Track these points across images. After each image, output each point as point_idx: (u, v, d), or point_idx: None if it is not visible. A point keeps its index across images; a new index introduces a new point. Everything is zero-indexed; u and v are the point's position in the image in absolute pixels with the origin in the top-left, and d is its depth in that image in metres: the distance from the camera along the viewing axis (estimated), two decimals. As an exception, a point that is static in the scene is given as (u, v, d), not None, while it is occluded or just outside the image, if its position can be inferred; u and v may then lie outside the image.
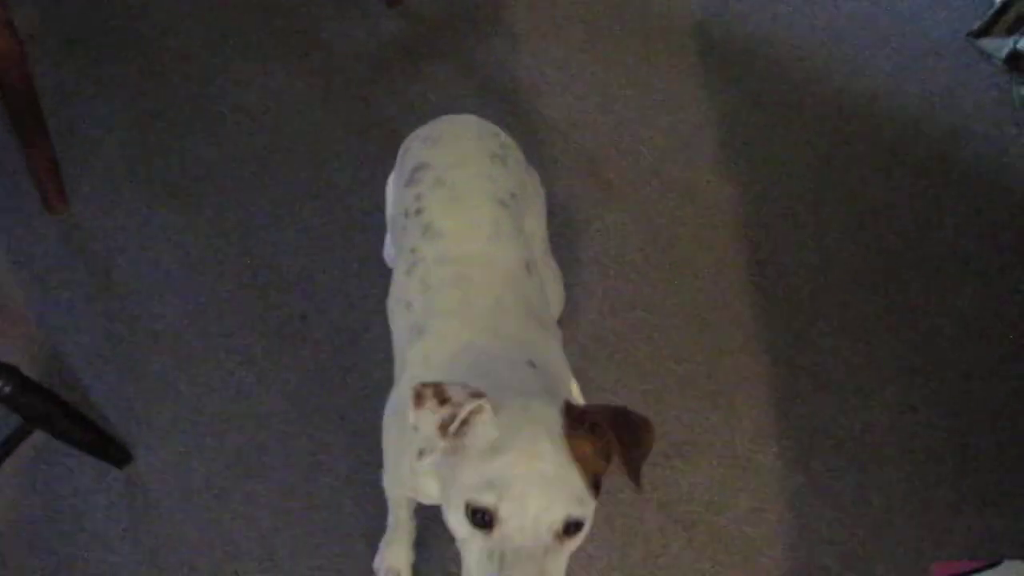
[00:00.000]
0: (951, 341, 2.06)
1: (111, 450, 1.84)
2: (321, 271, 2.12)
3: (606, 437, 1.10)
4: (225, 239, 2.17)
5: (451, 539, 1.12)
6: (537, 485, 1.06)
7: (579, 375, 1.95)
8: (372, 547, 1.77)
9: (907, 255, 2.18)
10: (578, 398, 1.83)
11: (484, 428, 1.10)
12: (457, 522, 1.10)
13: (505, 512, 1.05)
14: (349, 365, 1.99)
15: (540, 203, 1.67)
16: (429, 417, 1.09)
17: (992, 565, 1.78)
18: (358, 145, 2.32)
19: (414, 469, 1.31)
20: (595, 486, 1.11)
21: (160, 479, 1.87)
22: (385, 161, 2.28)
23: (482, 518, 1.06)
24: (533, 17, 2.60)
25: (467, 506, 1.07)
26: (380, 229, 2.14)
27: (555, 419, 1.12)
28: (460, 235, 1.44)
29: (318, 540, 1.80)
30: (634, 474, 1.10)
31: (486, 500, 1.06)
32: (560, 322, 1.78)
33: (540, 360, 1.34)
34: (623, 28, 2.60)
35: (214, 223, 2.19)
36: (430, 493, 1.33)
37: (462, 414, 1.08)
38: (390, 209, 1.81)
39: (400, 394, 1.37)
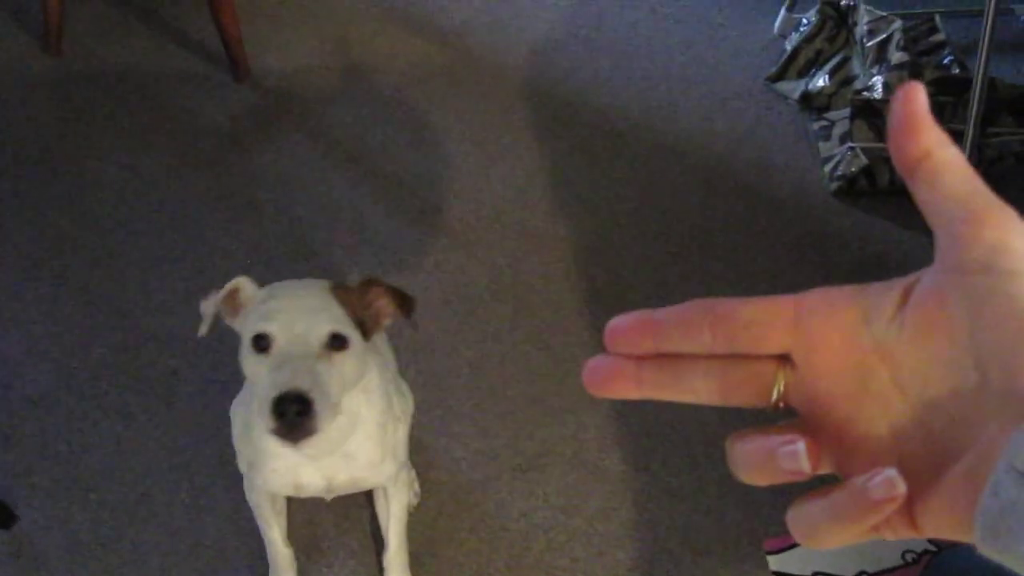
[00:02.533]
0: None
1: (-5, 511, 1.92)
2: (189, 328, 2.24)
3: (374, 293, 1.45)
4: (94, 305, 2.27)
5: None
6: (302, 310, 1.36)
7: (437, 404, 2.12)
8: (257, 578, 1.90)
9: (726, 274, 2.43)
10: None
11: (249, 294, 1.44)
12: (246, 363, 1.37)
13: (276, 331, 1.34)
14: (221, 413, 2.11)
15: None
16: (208, 304, 1.49)
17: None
18: (214, 212, 2.46)
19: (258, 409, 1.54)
20: (361, 328, 1.41)
21: (46, 536, 1.95)
22: (239, 224, 2.44)
23: (263, 345, 1.34)
24: (373, 85, 2.80)
25: (251, 341, 1.35)
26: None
27: (321, 283, 1.44)
28: None
29: (205, 576, 1.91)
30: (409, 319, 1.48)
31: (261, 327, 1.35)
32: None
33: None
34: (459, 88, 2.83)
35: (83, 291, 2.30)
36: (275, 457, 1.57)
37: (225, 289, 1.45)
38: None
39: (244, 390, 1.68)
